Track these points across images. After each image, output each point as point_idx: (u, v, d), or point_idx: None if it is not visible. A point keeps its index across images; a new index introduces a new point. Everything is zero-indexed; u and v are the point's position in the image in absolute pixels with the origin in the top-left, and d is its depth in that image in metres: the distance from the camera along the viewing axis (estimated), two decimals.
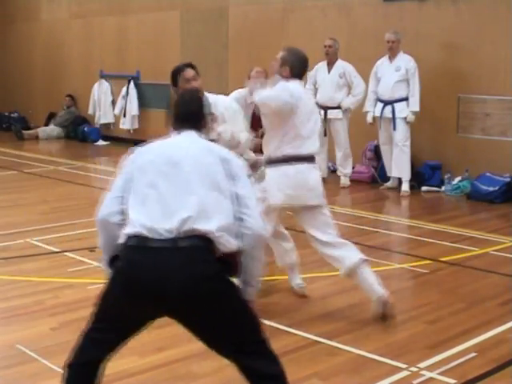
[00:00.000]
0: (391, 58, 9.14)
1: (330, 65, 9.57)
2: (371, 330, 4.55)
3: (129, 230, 2.97)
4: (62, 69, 15.29)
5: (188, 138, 3.26)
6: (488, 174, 8.66)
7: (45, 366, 3.96)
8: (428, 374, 3.88)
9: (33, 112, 15.94)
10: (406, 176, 9.05)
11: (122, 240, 3.00)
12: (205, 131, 3.36)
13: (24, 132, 14.82)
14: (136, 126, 13.46)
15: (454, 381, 3.80)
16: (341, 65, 9.52)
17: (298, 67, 4.85)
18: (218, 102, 4.85)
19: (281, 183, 4.73)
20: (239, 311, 3.03)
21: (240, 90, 6.18)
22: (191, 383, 3.81)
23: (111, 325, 3.10)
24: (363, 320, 4.71)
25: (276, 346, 4.24)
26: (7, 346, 4.23)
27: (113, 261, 3.12)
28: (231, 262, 3.01)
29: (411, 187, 9.05)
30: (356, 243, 6.60)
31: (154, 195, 3.01)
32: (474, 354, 4.14)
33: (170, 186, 3.02)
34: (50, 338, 4.35)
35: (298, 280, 5.30)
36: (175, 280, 2.82)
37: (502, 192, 8.46)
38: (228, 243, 2.96)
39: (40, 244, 6.46)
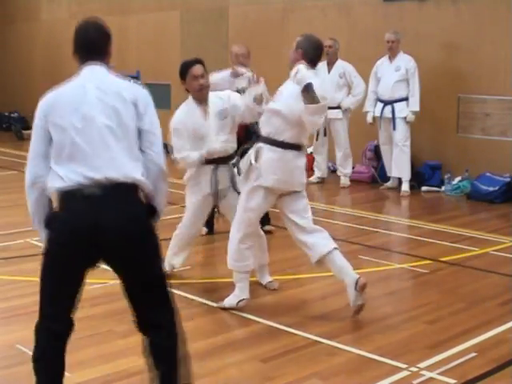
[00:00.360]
0: (391, 57, 9.14)
1: (330, 65, 9.57)
2: (371, 330, 4.55)
3: (59, 184, 3.10)
4: (61, 69, 15.27)
5: (93, 80, 3.35)
6: (488, 174, 8.66)
7: None
8: (428, 374, 3.88)
9: (33, 113, 15.92)
10: (406, 176, 9.05)
11: (54, 195, 3.14)
12: (108, 60, 3.43)
13: (24, 132, 14.81)
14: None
15: (454, 381, 3.80)
16: (341, 65, 9.52)
17: (311, 52, 4.92)
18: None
19: (277, 167, 4.74)
20: (157, 253, 3.23)
21: (218, 73, 6.19)
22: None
23: (60, 279, 3.18)
24: (363, 320, 4.72)
25: (276, 345, 4.26)
26: (7, 346, 4.23)
27: (48, 223, 3.23)
28: (152, 205, 3.24)
29: (411, 187, 9.05)
30: (356, 243, 6.64)
31: (74, 150, 3.12)
32: (473, 354, 4.14)
33: (87, 142, 3.13)
34: None
35: (268, 278, 5.39)
36: (110, 222, 3.02)
37: (502, 192, 8.46)
38: (148, 186, 3.19)
39: (40, 244, 6.41)
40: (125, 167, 3.11)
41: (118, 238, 3.06)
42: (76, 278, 3.18)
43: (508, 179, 8.54)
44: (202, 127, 5.22)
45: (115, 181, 3.07)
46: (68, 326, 3.33)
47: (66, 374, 3.85)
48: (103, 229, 3.01)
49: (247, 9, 11.70)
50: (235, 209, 5.01)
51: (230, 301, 4.87)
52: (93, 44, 3.45)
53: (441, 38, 9.29)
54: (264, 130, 4.88)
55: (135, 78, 13.40)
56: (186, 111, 5.33)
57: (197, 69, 5.22)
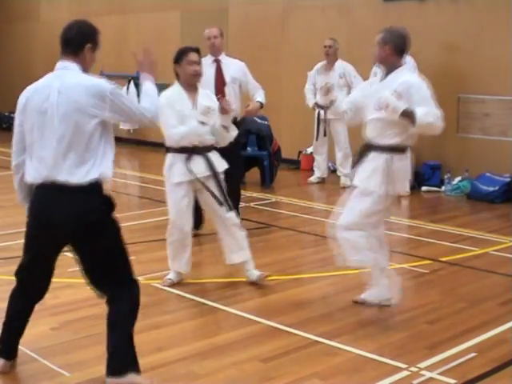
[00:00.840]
0: None
1: (329, 64, 9.56)
2: (371, 330, 4.55)
3: (27, 177, 3.67)
4: None
5: (61, 76, 3.65)
6: (488, 174, 8.66)
7: (45, 365, 3.96)
8: (428, 374, 3.88)
9: None
10: None
11: (32, 182, 3.65)
12: (85, 61, 3.68)
13: None
14: (136, 126, 13.47)
15: (454, 381, 3.80)
16: (341, 65, 9.52)
17: (400, 43, 4.82)
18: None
19: (407, 172, 4.87)
20: (115, 244, 3.69)
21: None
22: (191, 383, 3.81)
23: (34, 252, 3.81)
24: (363, 320, 4.72)
25: (276, 345, 4.26)
26: None
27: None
28: (110, 199, 3.63)
29: (411, 187, 9.04)
30: None
31: (36, 146, 3.62)
32: (473, 354, 4.14)
33: (43, 139, 3.58)
34: (49, 338, 4.35)
35: (256, 272, 5.39)
36: (64, 215, 3.51)
37: (502, 192, 8.46)
38: (107, 174, 3.58)
39: None
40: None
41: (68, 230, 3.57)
42: (45, 256, 3.79)
43: (508, 179, 8.55)
44: (188, 113, 5.24)
45: (63, 182, 3.51)
46: (39, 292, 3.92)
47: (66, 373, 3.86)
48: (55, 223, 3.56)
49: (247, 9, 11.70)
50: (210, 207, 5.38)
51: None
52: (67, 41, 3.69)
53: (441, 38, 9.30)
54: (386, 140, 4.74)
55: (135, 78, 13.41)
56: (176, 93, 5.34)
57: (195, 55, 5.41)
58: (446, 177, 9.04)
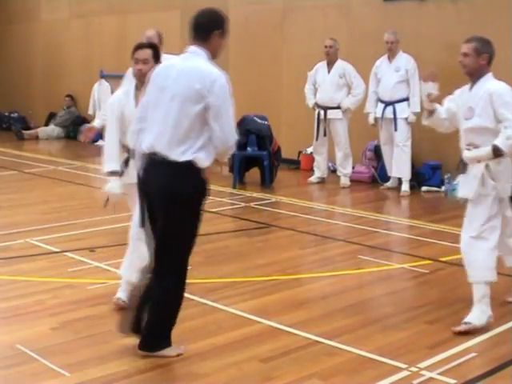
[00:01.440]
0: (390, 58, 9.13)
1: (330, 65, 9.56)
2: (371, 330, 4.55)
3: (142, 145, 3.97)
4: (61, 69, 15.29)
5: (186, 59, 3.95)
6: None
7: (45, 365, 3.96)
8: (428, 374, 3.88)
9: (33, 112, 15.94)
10: (406, 176, 9.05)
11: (143, 150, 3.98)
12: (213, 47, 4.00)
13: (24, 132, 14.81)
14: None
15: (454, 381, 3.80)
16: (341, 65, 9.52)
17: (493, 52, 4.93)
18: None
19: (508, 176, 4.66)
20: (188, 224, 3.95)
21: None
22: (191, 383, 3.81)
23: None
24: (363, 320, 4.72)
25: (276, 345, 4.26)
26: (7, 346, 4.23)
27: None
28: (202, 177, 3.91)
29: (411, 187, 9.05)
30: (356, 243, 6.64)
31: (150, 119, 3.95)
32: (473, 354, 4.14)
33: (156, 114, 3.91)
34: (50, 338, 4.35)
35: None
36: (156, 184, 3.89)
37: None
38: (203, 161, 3.86)
39: (40, 244, 6.46)
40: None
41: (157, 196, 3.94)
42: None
43: None
44: (131, 114, 4.72)
45: (163, 155, 3.87)
46: None
47: (66, 373, 3.86)
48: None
49: (247, 9, 11.69)
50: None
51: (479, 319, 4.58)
52: (197, 26, 4.01)
53: (441, 38, 9.29)
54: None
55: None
56: (123, 94, 5.02)
57: (141, 53, 4.89)
58: (446, 177, 9.03)
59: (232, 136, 3.91)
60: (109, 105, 5.09)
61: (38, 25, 15.87)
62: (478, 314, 4.56)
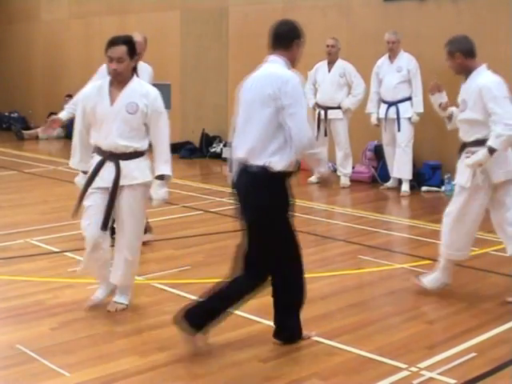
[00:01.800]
0: (391, 58, 9.12)
1: (331, 64, 9.56)
2: (371, 330, 4.55)
3: (233, 153, 4.18)
4: (61, 69, 15.28)
5: (265, 67, 4.08)
6: None
7: (45, 365, 3.96)
8: (428, 374, 3.88)
9: (33, 112, 15.94)
10: (406, 176, 9.04)
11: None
12: (293, 55, 4.15)
13: (24, 132, 14.81)
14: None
15: (454, 381, 3.80)
16: (341, 64, 9.51)
17: (467, 46, 5.10)
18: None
19: (499, 162, 4.89)
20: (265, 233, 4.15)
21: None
22: (191, 383, 3.81)
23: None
24: (363, 320, 4.72)
25: (276, 346, 4.26)
26: (7, 346, 4.23)
27: None
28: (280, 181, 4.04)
29: (411, 187, 9.05)
30: (356, 243, 6.64)
31: (237, 127, 4.16)
32: (473, 354, 4.14)
33: (239, 120, 4.10)
34: (50, 338, 4.35)
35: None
36: (241, 188, 4.10)
37: None
38: (277, 165, 3.96)
39: (40, 244, 6.46)
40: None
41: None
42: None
43: None
44: (106, 114, 4.57)
45: (244, 159, 4.08)
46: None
47: (66, 373, 3.86)
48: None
49: (247, 9, 11.69)
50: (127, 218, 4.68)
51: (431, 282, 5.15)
52: (278, 36, 4.12)
53: (441, 38, 9.21)
54: (472, 137, 4.97)
55: None
56: (98, 87, 4.70)
57: (115, 50, 4.53)
58: (446, 177, 9.03)
59: (307, 134, 3.99)
60: (80, 98, 4.91)
61: (37, 25, 15.87)
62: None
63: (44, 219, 7.38)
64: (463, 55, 5.02)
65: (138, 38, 6.25)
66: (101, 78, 5.08)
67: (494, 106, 4.79)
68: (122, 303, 4.83)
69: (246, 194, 4.09)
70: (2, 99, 16.65)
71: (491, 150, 4.76)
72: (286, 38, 4.11)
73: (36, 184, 9.74)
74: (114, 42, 4.57)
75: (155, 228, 7.04)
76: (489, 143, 4.76)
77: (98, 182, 4.67)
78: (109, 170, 4.63)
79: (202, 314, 4.08)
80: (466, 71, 5.06)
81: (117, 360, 4.04)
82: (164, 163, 4.63)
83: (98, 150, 4.69)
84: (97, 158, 4.70)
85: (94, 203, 4.69)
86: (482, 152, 4.79)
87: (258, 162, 3.98)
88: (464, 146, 5.05)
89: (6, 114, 16.29)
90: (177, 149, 12.47)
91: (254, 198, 4.05)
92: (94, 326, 4.51)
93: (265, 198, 4.03)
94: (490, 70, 5.13)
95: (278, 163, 3.98)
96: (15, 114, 16.17)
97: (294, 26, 4.16)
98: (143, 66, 6.46)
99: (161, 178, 4.64)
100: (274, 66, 4.07)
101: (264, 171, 3.98)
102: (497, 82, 4.97)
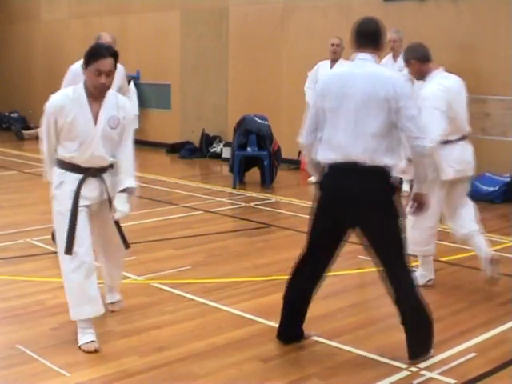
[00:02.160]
0: (395, 57, 9.12)
1: (334, 63, 9.53)
2: (371, 330, 4.55)
3: (318, 156, 4.01)
4: (62, 69, 15.21)
5: (361, 66, 3.97)
6: (488, 174, 8.65)
7: (45, 365, 3.96)
8: (428, 374, 3.88)
9: (33, 112, 15.94)
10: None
11: (324, 161, 3.99)
12: (378, 55, 4.06)
13: (24, 132, 14.82)
14: (136, 125, 13.40)
15: (454, 381, 3.80)
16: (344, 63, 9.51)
17: (421, 52, 5.41)
18: None
19: (448, 160, 5.16)
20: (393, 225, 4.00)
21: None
22: (191, 383, 3.81)
23: (317, 242, 4.14)
24: (363, 320, 4.72)
25: (276, 345, 4.26)
26: (7, 346, 4.23)
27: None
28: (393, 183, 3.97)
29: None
30: (356, 243, 6.62)
31: (329, 127, 3.95)
32: (473, 354, 4.14)
33: (337, 121, 3.91)
34: (50, 338, 4.35)
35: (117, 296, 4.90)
36: (351, 193, 3.91)
37: (502, 192, 8.45)
38: (391, 165, 3.90)
39: (40, 244, 6.46)
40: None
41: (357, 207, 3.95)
42: (332, 235, 4.11)
43: (508, 179, 8.54)
44: (88, 130, 4.22)
45: (353, 162, 3.89)
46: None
47: (66, 373, 3.86)
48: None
49: (247, 9, 11.70)
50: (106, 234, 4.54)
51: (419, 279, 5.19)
52: (367, 34, 4.07)
53: (441, 38, 9.29)
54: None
55: (135, 78, 13.41)
56: (72, 98, 4.27)
57: (105, 63, 4.13)
58: None
59: (430, 135, 4.02)
60: (50, 109, 4.39)
61: (38, 25, 15.87)
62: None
63: (44, 219, 7.36)
64: (419, 61, 5.30)
65: (107, 38, 5.91)
66: (73, 80, 4.90)
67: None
68: (120, 300, 4.85)
69: (360, 196, 3.92)
70: (2, 99, 16.66)
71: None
72: (376, 36, 4.08)
73: (36, 184, 9.72)
74: (102, 55, 4.13)
75: (155, 228, 7.05)
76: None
77: (82, 200, 4.27)
78: (90, 186, 4.29)
79: None
80: (423, 76, 5.32)
81: (117, 360, 4.04)
82: (131, 176, 4.35)
83: (72, 167, 4.27)
84: (71, 176, 4.29)
85: (83, 224, 4.25)
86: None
87: (375, 162, 3.87)
88: None
89: (6, 113, 16.30)
90: (177, 149, 12.49)
91: (370, 198, 3.92)
92: (93, 326, 4.50)
93: (386, 196, 3.97)
94: (446, 72, 5.42)
95: (391, 163, 3.94)
96: (15, 114, 16.18)
97: (380, 24, 4.16)
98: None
99: (124, 190, 4.31)
100: (372, 66, 4.00)
101: (381, 171, 3.90)
102: (431, 93, 5.12)
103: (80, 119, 4.20)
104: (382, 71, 4.05)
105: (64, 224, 4.20)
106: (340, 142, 3.91)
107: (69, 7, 15.08)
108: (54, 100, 4.36)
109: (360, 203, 3.93)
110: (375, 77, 3.93)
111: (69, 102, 4.26)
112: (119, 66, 5.92)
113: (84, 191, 4.26)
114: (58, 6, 15.35)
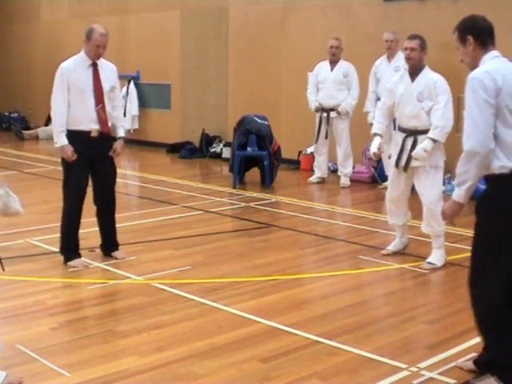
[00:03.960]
0: (390, 57, 9.13)
1: (333, 64, 9.54)
2: (371, 330, 4.55)
3: (504, 163, 3.48)
4: None
5: (505, 62, 3.92)
6: None
7: (45, 366, 3.96)
8: (428, 374, 3.88)
9: (33, 112, 15.95)
10: None
11: (502, 170, 3.49)
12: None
13: (24, 132, 14.82)
14: (136, 126, 13.45)
15: (454, 381, 3.80)
16: (345, 64, 9.51)
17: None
18: None
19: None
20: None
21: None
22: (191, 383, 3.81)
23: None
24: (363, 320, 4.72)
25: (276, 345, 4.26)
26: (7, 346, 4.22)
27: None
28: None
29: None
30: (356, 243, 6.64)
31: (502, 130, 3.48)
32: (473, 354, 4.13)
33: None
34: (50, 338, 4.35)
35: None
36: None
37: None
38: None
39: (40, 244, 6.46)
40: None
41: None
42: None
43: None
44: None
45: None
46: None
47: (66, 373, 3.86)
48: None
49: (247, 9, 11.70)
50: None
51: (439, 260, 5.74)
52: (492, 31, 4.20)
53: (441, 38, 9.28)
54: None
55: (135, 78, 13.42)
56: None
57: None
58: (446, 177, 9.02)
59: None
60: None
61: (38, 25, 15.87)
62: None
63: (44, 219, 7.38)
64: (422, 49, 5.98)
65: (103, 29, 5.73)
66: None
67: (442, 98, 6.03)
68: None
69: None
70: (1, 99, 16.66)
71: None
72: (493, 34, 4.14)
73: (36, 184, 9.74)
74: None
75: (155, 228, 7.04)
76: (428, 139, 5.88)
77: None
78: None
79: None
80: (419, 67, 6.04)
81: (117, 360, 4.04)
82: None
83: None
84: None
85: None
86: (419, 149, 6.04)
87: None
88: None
89: (6, 113, 16.30)
90: (177, 149, 12.49)
91: None
92: (94, 326, 4.51)
93: None
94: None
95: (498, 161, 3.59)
96: (15, 114, 16.18)
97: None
98: (105, 64, 5.96)
99: None
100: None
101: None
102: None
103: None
104: None
105: None
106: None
107: (69, 7, 15.09)
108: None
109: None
110: None
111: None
112: (112, 65, 5.94)
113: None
114: (58, 6, 15.35)
